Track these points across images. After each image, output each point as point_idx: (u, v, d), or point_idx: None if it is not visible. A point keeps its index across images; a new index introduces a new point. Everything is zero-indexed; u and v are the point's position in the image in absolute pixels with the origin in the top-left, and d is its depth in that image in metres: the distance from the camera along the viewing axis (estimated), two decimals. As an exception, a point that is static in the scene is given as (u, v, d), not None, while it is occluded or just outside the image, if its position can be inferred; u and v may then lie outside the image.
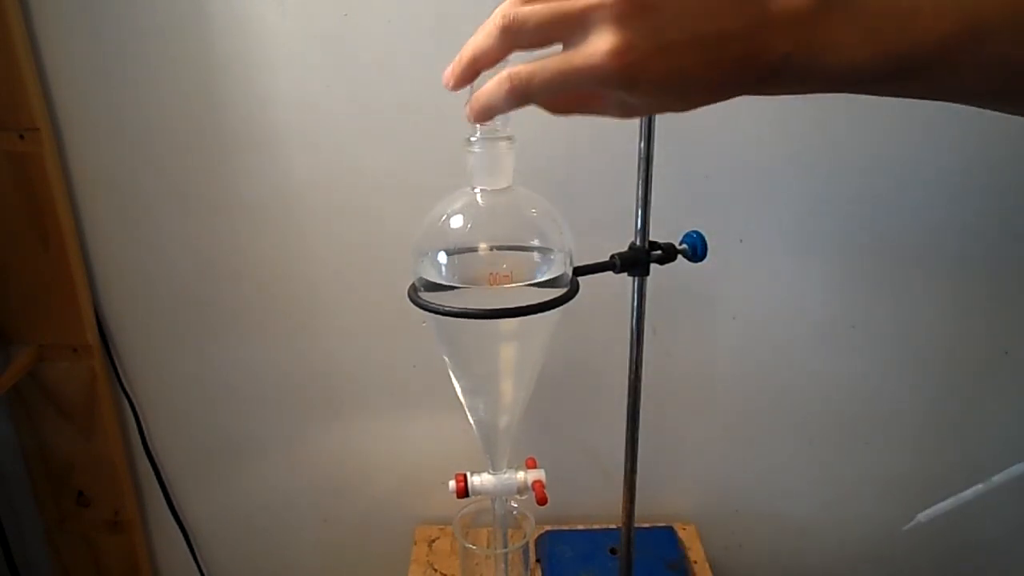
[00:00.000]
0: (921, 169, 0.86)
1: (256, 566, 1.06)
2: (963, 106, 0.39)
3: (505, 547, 0.70)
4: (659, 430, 0.96)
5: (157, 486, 0.99)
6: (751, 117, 0.84)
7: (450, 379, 0.57)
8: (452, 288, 0.48)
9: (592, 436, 0.99)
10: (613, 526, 0.96)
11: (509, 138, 0.47)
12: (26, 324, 0.87)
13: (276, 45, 0.80)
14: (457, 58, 0.38)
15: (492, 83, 0.36)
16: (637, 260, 0.64)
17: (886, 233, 0.89)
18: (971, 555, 1.07)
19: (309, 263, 0.89)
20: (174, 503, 1.00)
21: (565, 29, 0.33)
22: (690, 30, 0.31)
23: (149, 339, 0.93)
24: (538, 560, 0.92)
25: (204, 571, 1.05)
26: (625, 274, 0.65)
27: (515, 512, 0.82)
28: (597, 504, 1.01)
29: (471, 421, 0.60)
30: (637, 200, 0.64)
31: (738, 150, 0.85)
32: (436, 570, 0.93)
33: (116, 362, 0.93)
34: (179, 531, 1.01)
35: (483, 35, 0.36)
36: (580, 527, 0.99)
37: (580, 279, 0.53)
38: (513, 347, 0.54)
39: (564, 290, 0.50)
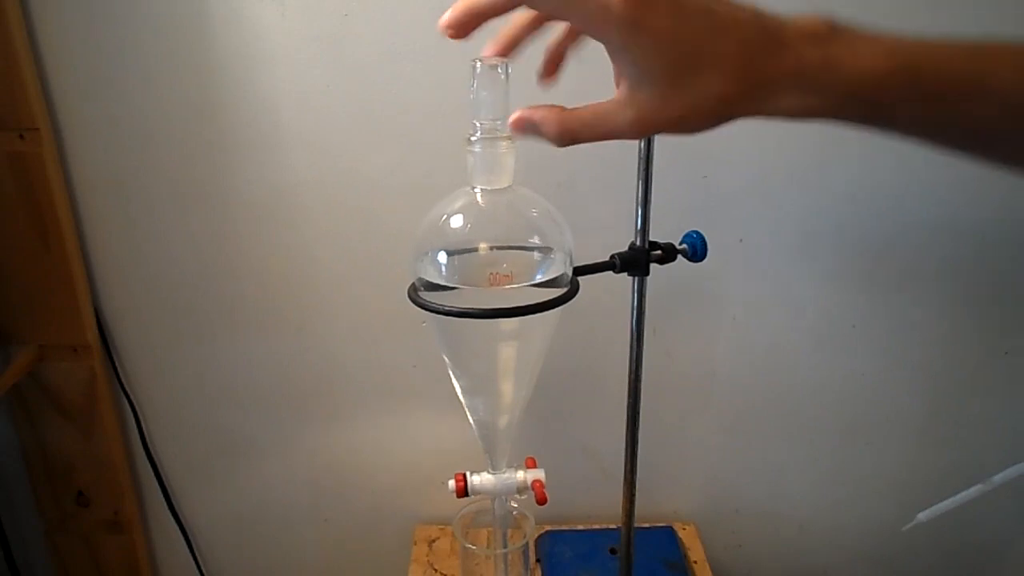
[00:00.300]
0: (922, 169, 0.86)
1: (256, 566, 1.06)
2: None
3: (505, 547, 0.70)
4: (659, 430, 0.96)
5: (157, 486, 0.99)
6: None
7: (450, 379, 0.58)
8: (452, 288, 0.48)
9: (592, 436, 0.99)
10: (613, 526, 0.96)
11: (509, 138, 0.47)
12: (26, 324, 0.87)
13: (276, 45, 0.80)
14: (459, 7, 0.40)
15: (550, 116, 0.39)
16: (637, 260, 0.64)
17: (886, 233, 0.89)
18: (971, 555, 1.07)
19: (309, 263, 0.89)
20: (174, 503, 1.00)
21: (583, 15, 0.35)
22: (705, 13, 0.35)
23: (149, 339, 0.93)
24: (538, 560, 0.92)
25: (204, 571, 1.05)
26: (625, 274, 0.65)
27: (515, 512, 0.82)
28: (597, 504, 1.01)
29: (471, 421, 0.60)
30: (637, 200, 0.64)
31: (738, 150, 0.85)
32: (436, 570, 0.93)
33: (116, 362, 0.93)
34: (179, 531, 1.01)
35: None
36: (580, 527, 0.99)
37: (580, 279, 0.53)
38: (513, 347, 0.54)
39: (564, 290, 0.50)
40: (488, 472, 0.64)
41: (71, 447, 0.93)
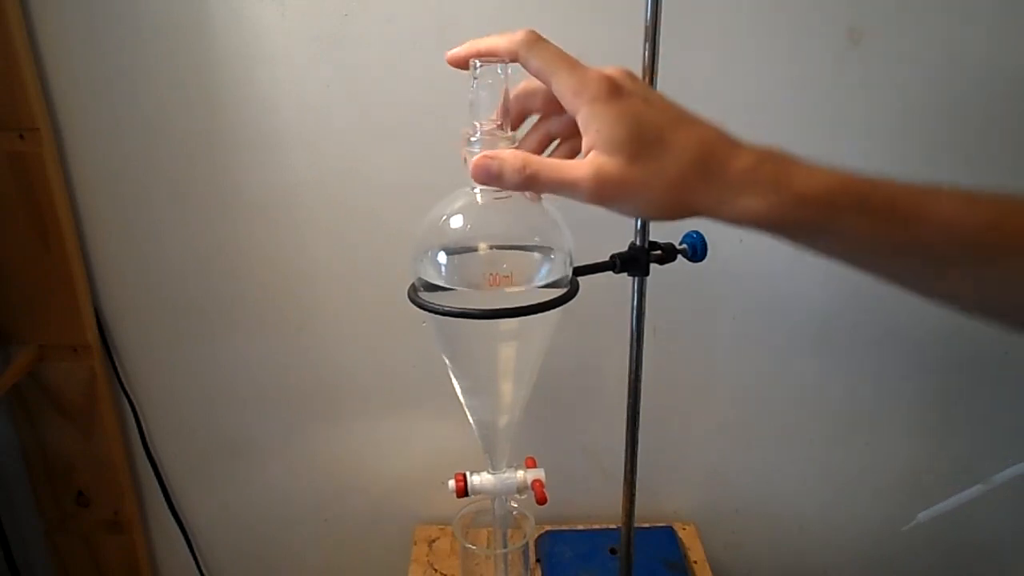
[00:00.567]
0: (921, 169, 0.86)
1: (256, 566, 1.06)
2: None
3: (505, 547, 0.70)
4: (659, 430, 0.96)
5: (157, 486, 0.99)
6: (751, 117, 0.84)
7: (450, 379, 0.57)
8: (451, 289, 0.48)
9: (592, 436, 0.99)
10: (613, 526, 0.96)
11: (509, 138, 0.47)
12: (26, 324, 0.87)
13: (276, 45, 0.80)
14: (466, 45, 0.45)
15: (510, 161, 0.42)
16: (637, 260, 0.64)
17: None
18: (971, 555, 1.07)
19: (309, 263, 0.89)
20: (174, 503, 1.00)
21: (567, 83, 0.41)
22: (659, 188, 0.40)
23: (149, 339, 0.93)
24: (538, 560, 0.92)
25: (204, 571, 1.05)
26: (625, 274, 0.65)
27: (515, 512, 0.82)
28: (597, 504, 1.01)
29: (471, 421, 0.60)
30: (637, 200, 0.64)
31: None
32: (436, 570, 0.93)
33: (116, 362, 0.93)
34: (179, 531, 1.01)
35: (502, 37, 0.42)
36: (580, 527, 0.99)
37: (580, 279, 0.53)
38: (513, 347, 0.53)
39: (564, 290, 0.50)
40: (488, 472, 0.64)
41: (71, 447, 0.93)
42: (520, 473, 0.63)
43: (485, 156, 0.43)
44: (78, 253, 0.86)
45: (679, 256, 0.66)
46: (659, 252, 0.65)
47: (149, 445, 0.97)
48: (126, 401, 0.94)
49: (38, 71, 0.80)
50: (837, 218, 0.39)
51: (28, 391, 0.90)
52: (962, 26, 0.81)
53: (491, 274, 0.47)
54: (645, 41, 0.60)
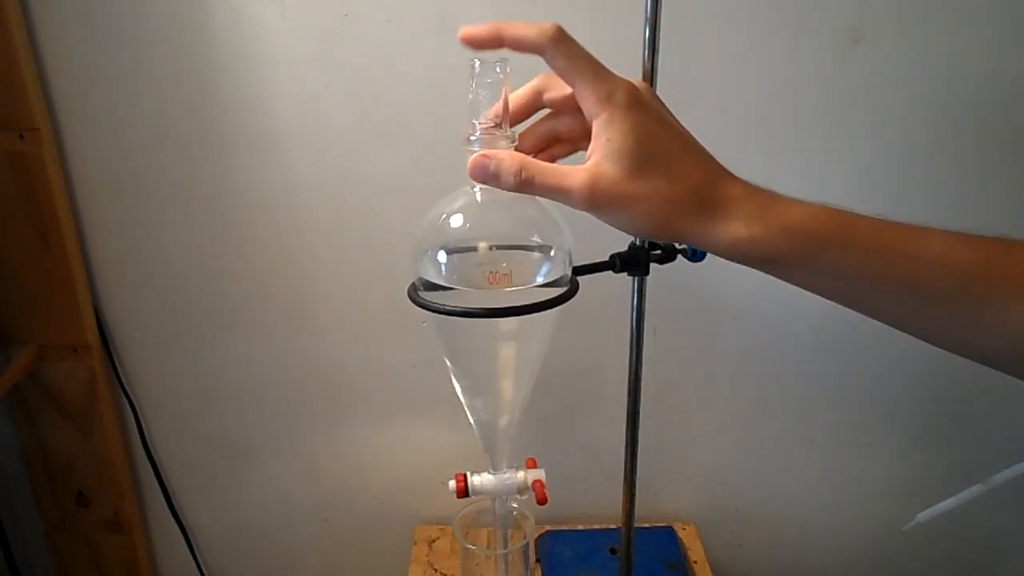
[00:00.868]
0: (923, 169, 0.86)
1: (256, 566, 1.06)
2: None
3: (505, 547, 0.70)
4: (659, 430, 0.96)
5: (157, 486, 0.99)
6: (751, 116, 0.84)
7: (450, 379, 0.57)
8: (452, 288, 0.48)
9: (592, 436, 0.99)
10: (613, 526, 0.96)
11: (509, 137, 0.47)
12: (26, 324, 0.87)
13: (276, 45, 0.80)
14: (490, 24, 0.43)
15: (507, 162, 0.43)
16: (637, 260, 0.64)
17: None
18: (971, 555, 1.07)
19: (309, 263, 0.89)
20: (174, 503, 1.00)
21: (592, 87, 0.41)
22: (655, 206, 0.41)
23: (149, 339, 0.93)
24: (538, 560, 0.92)
25: (204, 571, 1.05)
26: (625, 274, 0.65)
27: (515, 512, 0.82)
28: (597, 504, 1.01)
29: (471, 421, 0.60)
30: (637, 200, 0.64)
31: (738, 150, 0.85)
32: (436, 570, 0.93)
33: (116, 362, 0.93)
34: (179, 531, 1.01)
35: (531, 26, 0.41)
36: (580, 527, 0.99)
37: (580, 279, 0.53)
38: (512, 346, 0.53)
39: (564, 290, 0.50)
40: (488, 472, 0.64)
41: (71, 447, 0.93)
42: (520, 473, 0.63)
43: (482, 155, 0.44)
44: (78, 253, 0.86)
45: (679, 256, 0.66)
46: (659, 252, 0.65)
47: (149, 445, 0.97)
48: (126, 401, 0.94)
49: (38, 71, 0.80)
50: (823, 251, 0.40)
51: (28, 391, 0.90)
52: (963, 26, 0.81)
53: (491, 273, 0.47)
54: (645, 41, 0.59)
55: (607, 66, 0.42)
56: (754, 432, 0.99)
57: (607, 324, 0.89)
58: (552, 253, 0.49)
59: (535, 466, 0.66)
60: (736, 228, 0.40)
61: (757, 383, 0.96)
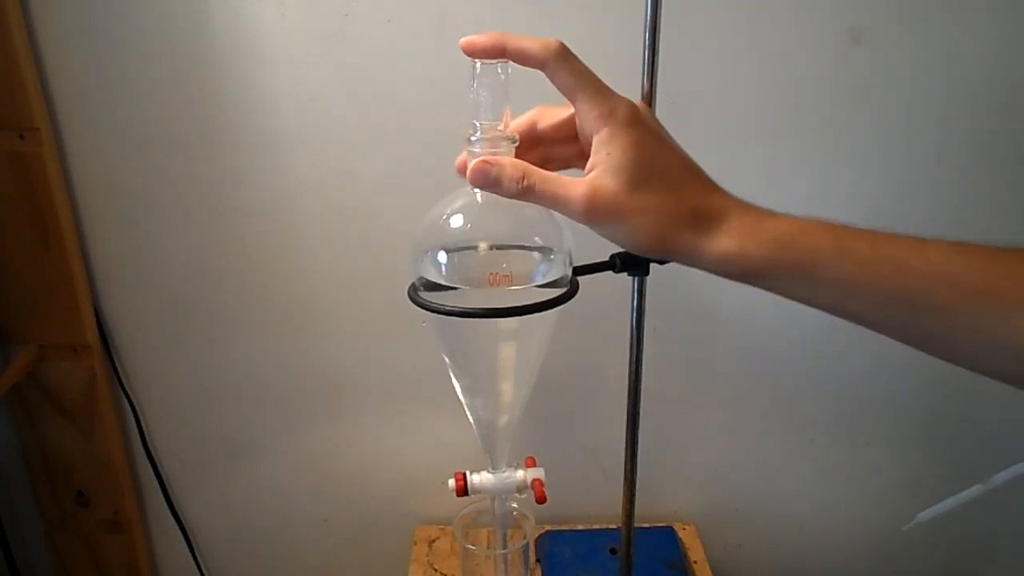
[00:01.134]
0: (923, 169, 0.86)
1: (256, 566, 1.06)
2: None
3: (505, 547, 0.70)
4: (659, 430, 0.96)
5: (157, 486, 0.99)
6: (751, 116, 0.84)
7: (450, 378, 0.57)
8: (452, 288, 0.48)
9: (592, 436, 0.99)
10: (613, 526, 0.96)
11: (510, 138, 0.47)
12: (26, 324, 0.87)
13: (276, 45, 0.80)
14: (493, 35, 0.43)
15: (508, 169, 0.43)
16: (637, 260, 0.64)
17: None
18: (971, 555, 1.07)
19: (309, 263, 0.89)
20: (174, 503, 1.00)
21: (594, 103, 0.42)
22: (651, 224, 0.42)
23: (149, 339, 0.93)
24: (538, 560, 0.92)
25: (204, 571, 1.05)
26: (625, 274, 0.65)
27: (515, 512, 0.82)
28: (597, 504, 1.01)
29: (471, 420, 0.60)
30: (637, 200, 0.64)
31: (738, 149, 0.85)
32: (436, 570, 0.93)
33: (116, 362, 0.93)
34: (179, 531, 1.01)
35: (535, 41, 0.42)
36: (580, 527, 0.99)
37: (580, 279, 0.53)
38: (512, 346, 0.53)
39: (564, 290, 0.50)
40: (488, 471, 0.64)
41: (71, 447, 0.93)
42: (520, 472, 0.63)
43: (484, 161, 0.44)
44: (78, 253, 0.86)
45: (679, 256, 0.65)
46: (659, 252, 0.65)
47: (149, 445, 0.97)
48: (126, 401, 0.94)
49: (38, 71, 0.80)
50: (816, 264, 0.40)
51: (28, 391, 0.90)
52: (963, 26, 0.81)
53: (491, 274, 0.47)
54: (645, 41, 0.59)
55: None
56: (754, 432, 0.99)
57: (607, 324, 0.89)
58: (552, 254, 0.49)
59: (534, 465, 0.66)
60: (727, 242, 0.41)
61: (757, 383, 0.96)
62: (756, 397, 0.97)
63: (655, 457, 0.97)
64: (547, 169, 0.50)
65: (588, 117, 0.42)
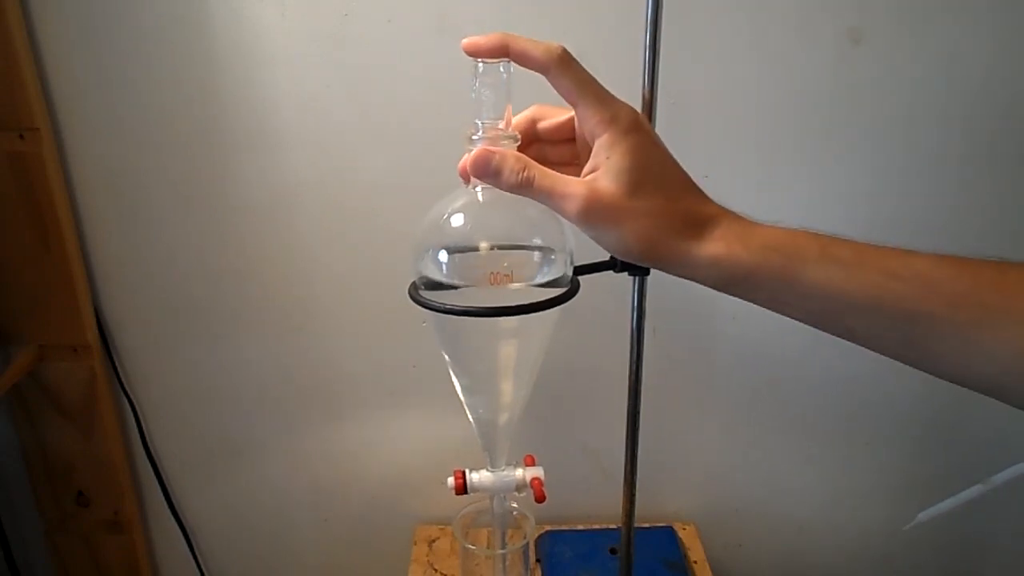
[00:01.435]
0: (923, 169, 0.86)
1: (256, 566, 1.06)
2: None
3: (504, 547, 0.70)
4: (659, 430, 0.96)
5: (157, 486, 0.99)
6: (751, 116, 0.84)
7: (450, 378, 0.57)
8: (453, 287, 0.48)
9: (592, 436, 0.99)
10: (613, 526, 0.96)
11: (511, 137, 0.47)
12: (26, 324, 0.87)
13: (276, 45, 0.80)
14: (496, 36, 0.43)
15: (510, 160, 0.43)
16: (637, 260, 0.64)
17: (886, 233, 0.88)
18: (971, 555, 1.07)
19: (309, 263, 0.89)
20: (174, 503, 1.00)
21: (595, 109, 0.42)
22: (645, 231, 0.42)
23: (149, 339, 0.93)
24: (538, 560, 0.92)
25: (204, 571, 1.05)
26: (625, 274, 0.65)
27: (515, 512, 0.82)
28: (597, 504, 1.01)
29: (470, 419, 0.60)
30: (637, 200, 0.64)
31: (738, 149, 0.85)
32: (436, 570, 0.93)
33: (116, 362, 0.93)
34: (179, 531, 1.01)
35: (538, 45, 0.42)
36: (580, 527, 0.99)
37: (580, 279, 0.53)
38: (513, 345, 0.54)
39: (564, 289, 0.50)
40: (487, 470, 0.64)
41: (71, 447, 0.93)
42: (519, 471, 0.63)
43: (487, 149, 0.44)
44: (78, 253, 0.86)
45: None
46: (659, 252, 0.65)
47: (149, 445, 0.97)
48: (126, 401, 0.94)
49: (38, 71, 0.80)
50: (802, 268, 0.40)
51: (28, 391, 0.90)
52: (963, 26, 0.81)
53: (492, 272, 0.47)
54: (645, 41, 0.60)
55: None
56: (754, 432, 0.99)
57: (607, 324, 0.89)
58: (553, 253, 0.49)
59: (533, 464, 0.66)
60: (716, 247, 0.42)
61: (757, 383, 0.96)
62: (756, 397, 0.97)
63: (655, 457, 0.97)
64: None
65: (589, 122, 0.43)
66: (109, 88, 0.81)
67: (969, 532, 1.05)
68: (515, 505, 0.83)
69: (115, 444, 0.94)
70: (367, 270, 0.89)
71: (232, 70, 0.81)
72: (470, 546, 0.75)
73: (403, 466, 1.00)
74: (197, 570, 1.04)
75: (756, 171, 0.86)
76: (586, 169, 0.43)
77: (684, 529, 0.99)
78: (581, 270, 0.55)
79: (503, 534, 0.67)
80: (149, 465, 0.97)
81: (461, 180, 0.49)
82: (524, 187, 0.43)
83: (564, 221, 0.49)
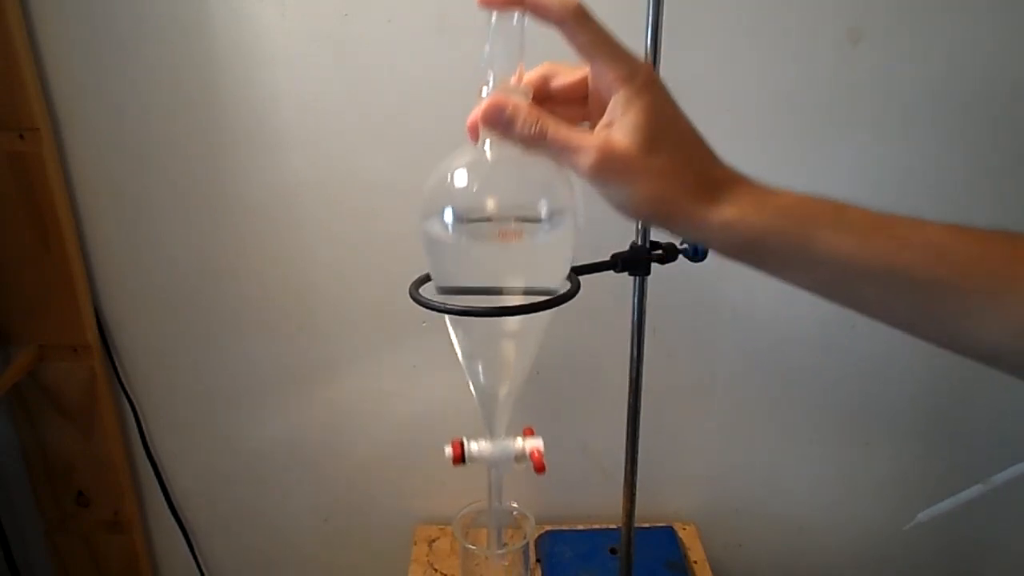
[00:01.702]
0: (924, 168, 0.86)
1: (256, 566, 1.06)
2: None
3: (504, 547, 0.70)
4: (659, 430, 0.96)
5: (157, 486, 0.99)
6: (752, 116, 0.84)
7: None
8: (459, 246, 0.46)
9: (592, 436, 0.99)
10: (613, 526, 0.96)
11: (523, 92, 0.45)
12: (26, 324, 0.87)
13: (276, 45, 0.80)
14: None
15: (524, 110, 0.42)
16: (638, 260, 0.64)
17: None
18: (971, 555, 1.07)
19: (308, 263, 0.89)
20: (174, 503, 1.00)
21: (613, 65, 0.41)
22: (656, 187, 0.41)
23: (149, 339, 0.92)
24: (538, 560, 0.92)
25: (204, 571, 1.05)
26: (626, 273, 0.65)
27: (515, 512, 0.81)
28: (597, 504, 1.01)
29: (471, 388, 0.58)
30: (637, 200, 0.64)
31: (739, 149, 0.85)
32: (436, 570, 0.93)
33: (116, 362, 0.93)
34: (179, 531, 1.01)
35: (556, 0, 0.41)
36: (580, 527, 0.99)
37: (580, 279, 0.53)
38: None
39: (565, 289, 0.50)
40: (486, 440, 0.61)
41: (71, 447, 0.93)
42: (519, 440, 0.61)
43: (501, 97, 0.42)
44: (78, 253, 0.86)
45: (680, 256, 0.66)
46: (660, 252, 0.65)
47: (149, 445, 0.97)
48: (126, 401, 0.94)
49: (38, 71, 0.80)
50: (815, 233, 0.39)
51: (28, 391, 0.90)
52: (962, 26, 0.81)
53: (501, 229, 0.46)
54: (645, 41, 0.60)
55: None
56: (754, 432, 0.99)
57: (607, 324, 0.89)
58: (564, 210, 0.47)
59: (533, 435, 0.63)
60: (729, 211, 0.41)
61: (757, 383, 0.96)
62: (756, 397, 0.97)
63: (655, 457, 0.97)
64: None
65: (606, 78, 0.42)
66: (109, 88, 0.81)
67: (969, 532, 1.05)
68: (515, 505, 0.83)
69: (115, 444, 0.94)
70: (367, 270, 0.89)
71: (232, 70, 0.81)
72: (470, 546, 0.75)
73: (403, 466, 1.00)
74: (197, 570, 1.04)
75: (755, 170, 0.85)
76: (600, 125, 0.42)
77: (684, 529, 0.99)
78: (581, 270, 0.55)
79: (498, 498, 0.64)
80: (149, 465, 0.97)
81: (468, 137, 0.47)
82: (537, 139, 0.42)
83: (575, 181, 0.47)
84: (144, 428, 0.96)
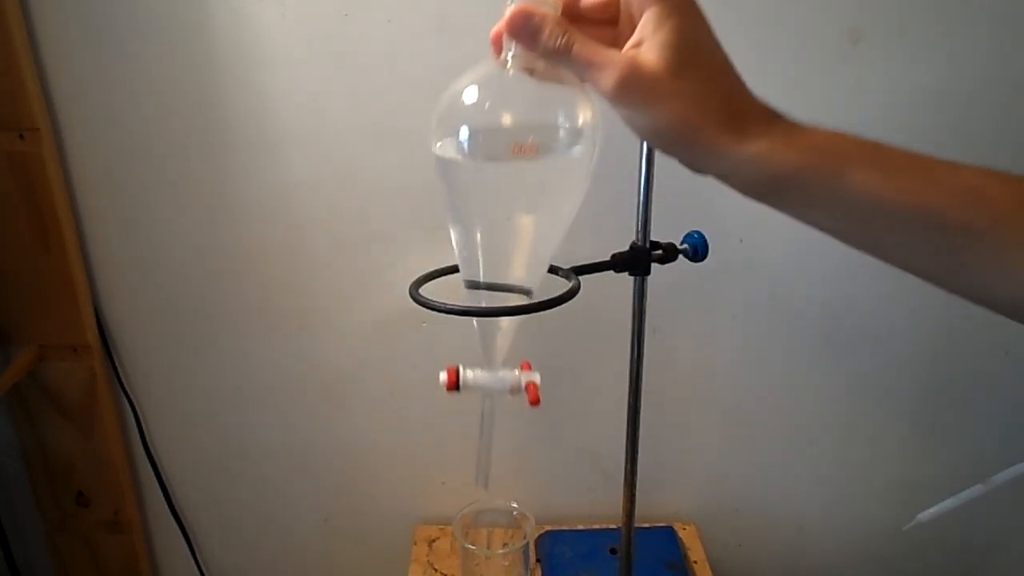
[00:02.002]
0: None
1: (256, 566, 1.06)
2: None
3: (504, 547, 0.70)
4: (659, 430, 0.96)
5: (157, 486, 0.99)
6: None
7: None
8: (472, 164, 0.45)
9: (592, 436, 0.99)
10: (613, 526, 0.96)
11: (552, 3, 0.42)
12: (26, 324, 0.87)
13: (276, 45, 0.80)
14: None
15: (552, 20, 0.40)
16: (638, 260, 0.64)
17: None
18: (971, 555, 1.07)
19: (309, 263, 0.89)
20: (174, 503, 1.00)
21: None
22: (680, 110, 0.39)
23: (149, 339, 0.93)
24: (538, 560, 0.92)
25: (204, 571, 1.05)
26: (626, 274, 0.65)
27: (515, 512, 0.82)
28: (597, 504, 1.01)
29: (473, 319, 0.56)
30: (638, 200, 0.64)
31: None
32: (436, 570, 0.93)
33: (116, 362, 0.93)
34: (179, 531, 1.01)
35: None
36: (580, 527, 0.99)
37: (580, 279, 0.53)
38: (530, 221, 0.49)
39: (565, 289, 0.50)
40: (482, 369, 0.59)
41: (71, 447, 0.93)
42: (516, 372, 0.59)
43: (529, 5, 0.41)
44: (78, 253, 0.86)
45: (680, 256, 0.66)
46: (660, 252, 0.65)
47: (149, 445, 0.97)
48: (126, 401, 0.94)
49: (38, 71, 0.80)
50: (845, 171, 0.37)
51: (28, 391, 0.90)
52: (962, 26, 0.81)
53: (515, 144, 0.44)
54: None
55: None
56: (754, 432, 0.99)
57: (607, 324, 0.89)
58: (580, 125, 0.45)
59: (530, 369, 0.61)
60: (757, 145, 0.39)
61: (757, 383, 0.96)
62: (756, 397, 0.97)
63: (655, 457, 0.97)
64: None
65: None
66: (109, 88, 0.81)
67: (969, 532, 1.05)
68: (515, 505, 0.83)
69: (115, 444, 0.94)
70: (367, 270, 0.89)
71: (232, 70, 0.81)
72: (470, 546, 0.76)
73: (403, 466, 1.00)
74: (197, 570, 1.04)
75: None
76: (629, 43, 0.40)
77: (684, 529, 0.99)
78: (581, 270, 0.55)
79: (489, 433, 0.61)
80: (149, 465, 0.97)
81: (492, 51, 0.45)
82: (562, 52, 0.40)
83: (597, 100, 0.44)
84: (144, 428, 0.96)
